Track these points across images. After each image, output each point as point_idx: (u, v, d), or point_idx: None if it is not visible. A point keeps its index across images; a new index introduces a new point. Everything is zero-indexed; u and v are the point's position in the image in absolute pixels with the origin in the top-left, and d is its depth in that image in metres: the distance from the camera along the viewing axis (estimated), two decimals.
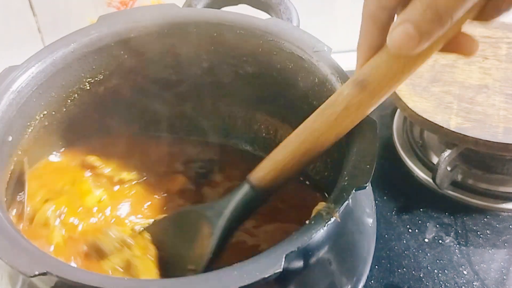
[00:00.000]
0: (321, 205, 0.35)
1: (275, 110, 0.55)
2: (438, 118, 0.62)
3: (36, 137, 0.48)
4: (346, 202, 0.34)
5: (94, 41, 0.49)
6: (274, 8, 0.53)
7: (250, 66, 0.52)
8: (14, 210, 0.46)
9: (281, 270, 0.31)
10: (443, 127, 0.61)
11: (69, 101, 0.51)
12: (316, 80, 0.46)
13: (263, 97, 0.54)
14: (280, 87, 0.51)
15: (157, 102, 0.55)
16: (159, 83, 0.54)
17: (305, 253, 0.37)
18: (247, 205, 0.42)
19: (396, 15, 0.34)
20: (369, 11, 0.35)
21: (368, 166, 0.36)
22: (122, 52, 0.51)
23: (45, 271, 0.31)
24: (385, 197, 0.65)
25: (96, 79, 0.51)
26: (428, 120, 0.62)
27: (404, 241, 0.60)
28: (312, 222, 0.34)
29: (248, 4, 0.55)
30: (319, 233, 0.33)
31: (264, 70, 0.51)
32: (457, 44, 0.35)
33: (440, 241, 0.60)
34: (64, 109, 0.51)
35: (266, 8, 0.54)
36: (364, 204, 0.45)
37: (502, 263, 0.58)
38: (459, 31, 0.34)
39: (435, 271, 0.57)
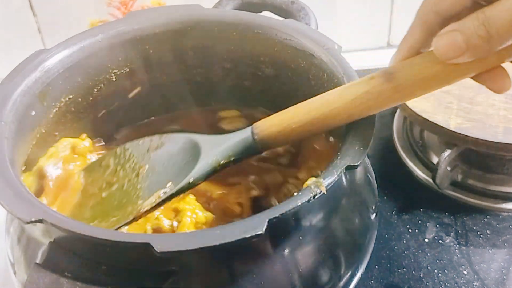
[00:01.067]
0: (311, 180, 0.36)
1: None
2: (438, 118, 0.62)
3: (62, 121, 0.51)
4: (335, 177, 0.36)
5: (121, 34, 0.51)
6: (294, 14, 0.55)
7: (268, 67, 0.54)
8: None
9: (262, 232, 0.32)
10: (443, 127, 0.61)
11: (95, 90, 0.52)
12: (325, 76, 0.48)
13: (281, 101, 0.55)
14: (295, 88, 0.53)
15: (179, 101, 0.58)
16: (182, 82, 0.57)
17: (300, 219, 0.39)
18: (242, 150, 0.43)
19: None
20: (422, 13, 0.36)
21: (361, 148, 0.38)
22: (147, 47, 0.53)
23: (41, 219, 0.33)
24: (385, 197, 0.65)
25: (122, 71, 0.53)
26: (428, 120, 0.62)
27: (404, 241, 0.60)
28: (300, 193, 0.35)
29: (270, 11, 0.57)
30: (309, 203, 0.35)
31: (280, 71, 0.53)
32: (490, 77, 0.35)
33: (440, 241, 0.60)
34: (91, 98, 0.52)
35: (287, 14, 0.56)
36: (367, 197, 0.46)
37: (502, 263, 0.58)
38: (499, 64, 0.35)
39: (435, 271, 0.57)
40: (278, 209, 0.34)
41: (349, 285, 0.42)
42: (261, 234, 0.32)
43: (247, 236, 0.32)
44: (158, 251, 0.31)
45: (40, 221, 0.34)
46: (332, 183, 0.36)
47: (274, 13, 0.57)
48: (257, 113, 0.58)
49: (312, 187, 0.35)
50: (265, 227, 0.32)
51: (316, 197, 0.35)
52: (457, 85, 0.67)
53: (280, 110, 0.56)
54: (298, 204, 0.34)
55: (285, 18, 0.55)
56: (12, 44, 0.82)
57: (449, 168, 0.63)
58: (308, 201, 0.35)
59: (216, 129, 0.58)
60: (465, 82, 0.67)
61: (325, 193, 0.35)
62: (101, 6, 0.78)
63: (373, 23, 0.90)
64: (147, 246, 0.31)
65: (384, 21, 0.90)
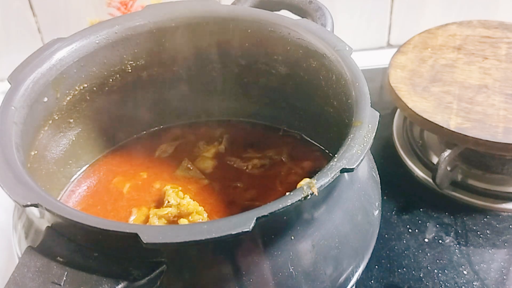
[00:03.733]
0: (304, 180, 0.36)
1: (303, 115, 0.57)
2: (438, 118, 0.62)
3: (77, 108, 0.52)
4: (328, 179, 0.36)
5: (137, 26, 0.52)
6: (311, 14, 0.55)
7: (281, 66, 0.54)
8: None
9: (249, 230, 0.32)
10: (443, 127, 0.61)
11: (111, 80, 0.53)
12: (333, 77, 0.48)
13: (295, 100, 0.56)
14: (308, 88, 0.53)
15: (193, 96, 0.59)
16: (198, 76, 0.57)
17: (295, 217, 0.38)
18: None
19: None
20: None
21: (359, 152, 0.38)
22: (163, 40, 0.54)
23: (36, 203, 0.35)
24: (385, 197, 0.65)
25: (138, 63, 0.54)
26: (428, 120, 0.62)
27: (404, 241, 0.60)
28: (291, 193, 0.35)
29: (288, 10, 0.58)
30: (306, 200, 0.35)
31: (293, 70, 0.54)
32: None
33: (440, 241, 0.60)
34: (106, 88, 0.53)
35: (304, 14, 0.56)
36: (371, 193, 0.46)
37: (502, 263, 0.58)
38: None
39: (435, 271, 0.57)
40: (267, 208, 0.34)
41: (350, 281, 0.42)
42: (248, 231, 0.32)
43: (233, 232, 0.32)
44: (145, 242, 0.32)
45: (36, 205, 0.34)
46: (325, 185, 0.36)
47: (292, 12, 0.57)
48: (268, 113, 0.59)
49: (305, 188, 0.35)
50: (252, 224, 0.33)
51: (308, 198, 0.35)
52: (457, 85, 0.67)
53: (293, 111, 0.57)
54: (288, 204, 0.34)
55: (302, 17, 0.55)
56: (12, 44, 0.82)
57: (449, 168, 0.63)
58: (299, 201, 0.35)
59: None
60: (465, 82, 0.67)
61: (316, 194, 0.35)
62: (101, 6, 0.78)
63: (373, 23, 0.90)
64: (135, 237, 0.32)
65: (384, 21, 0.90)
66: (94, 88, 0.52)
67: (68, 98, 0.50)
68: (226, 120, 0.61)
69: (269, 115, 0.60)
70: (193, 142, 0.58)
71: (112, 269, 0.34)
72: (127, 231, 0.33)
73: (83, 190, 0.53)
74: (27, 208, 0.36)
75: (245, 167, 0.55)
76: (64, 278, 0.33)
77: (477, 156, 0.65)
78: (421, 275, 0.57)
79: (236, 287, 0.36)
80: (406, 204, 0.65)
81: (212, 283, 0.36)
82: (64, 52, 0.48)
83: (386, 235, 0.61)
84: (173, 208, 0.48)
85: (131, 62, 0.54)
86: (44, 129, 0.48)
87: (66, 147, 0.52)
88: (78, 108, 0.52)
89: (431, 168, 0.66)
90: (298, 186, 0.36)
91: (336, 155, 0.38)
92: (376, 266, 0.58)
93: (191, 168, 0.55)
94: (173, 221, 0.48)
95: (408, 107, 0.65)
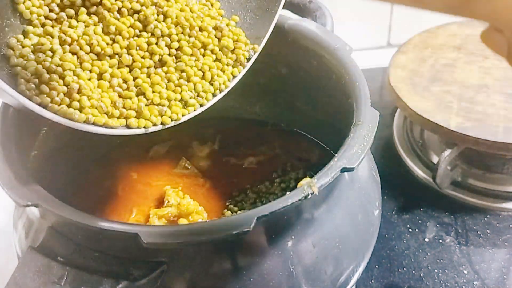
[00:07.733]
0: (305, 180, 0.36)
1: (303, 114, 0.57)
2: (438, 118, 0.62)
3: None
4: (329, 179, 0.36)
5: None
6: (311, 13, 0.56)
7: (282, 66, 0.54)
8: None
9: (250, 229, 0.33)
10: (443, 126, 0.61)
11: None
12: (334, 77, 0.48)
13: (295, 100, 0.56)
14: (308, 88, 0.53)
15: None
16: None
17: (295, 216, 0.39)
18: None
19: None
20: None
21: (359, 151, 0.38)
22: None
23: (36, 203, 0.35)
24: (385, 197, 0.65)
25: None
26: (428, 120, 0.62)
27: (405, 241, 0.60)
28: (292, 193, 0.35)
29: (288, 10, 0.58)
30: (307, 199, 0.35)
31: (293, 71, 0.54)
32: None
33: (440, 241, 0.60)
34: None
35: (304, 13, 0.56)
36: (371, 193, 0.46)
37: (502, 263, 0.58)
38: None
39: (436, 270, 0.57)
40: (268, 207, 0.34)
41: (351, 280, 0.42)
42: (248, 231, 0.32)
43: (234, 232, 0.32)
44: (145, 241, 0.32)
45: (36, 205, 0.35)
46: (326, 185, 0.36)
47: (291, 12, 0.57)
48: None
49: (305, 187, 0.35)
50: (253, 224, 0.33)
51: (308, 197, 0.35)
52: (458, 85, 0.67)
53: (293, 110, 0.57)
54: (289, 204, 0.34)
55: (301, 16, 0.55)
56: None
57: (449, 168, 0.63)
58: (299, 201, 0.35)
59: None
60: (465, 81, 0.67)
61: (317, 194, 0.35)
62: None
63: (373, 23, 0.90)
64: (135, 237, 0.32)
65: (384, 21, 0.90)
66: None
67: None
68: (219, 118, 0.60)
69: (269, 114, 0.60)
70: (186, 142, 0.58)
71: (112, 269, 0.34)
72: (128, 231, 0.33)
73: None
74: (28, 208, 0.36)
75: (242, 164, 0.55)
76: (65, 278, 0.33)
77: (478, 155, 0.65)
78: (421, 275, 0.57)
79: (237, 286, 0.36)
80: (406, 204, 0.65)
81: (213, 282, 0.36)
82: None
83: (386, 235, 0.61)
84: (173, 208, 0.48)
85: None
86: (44, 129, 0.48)
87: None
88: None
89: (432, 168, 0.66)
90: (299, 185, 0.36)
91: (336, 155, 0.38)
92: (376, 266, 0.57)
93: (189, 167, 0.55)
94: (173, 221, 0.48)
95: (408, 106, 0.65)
